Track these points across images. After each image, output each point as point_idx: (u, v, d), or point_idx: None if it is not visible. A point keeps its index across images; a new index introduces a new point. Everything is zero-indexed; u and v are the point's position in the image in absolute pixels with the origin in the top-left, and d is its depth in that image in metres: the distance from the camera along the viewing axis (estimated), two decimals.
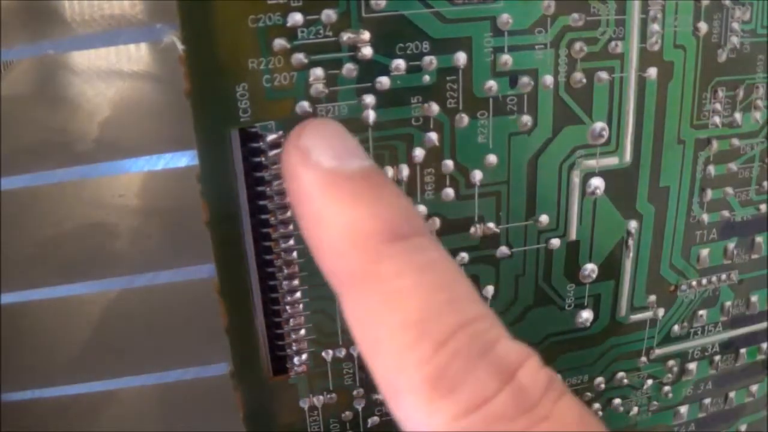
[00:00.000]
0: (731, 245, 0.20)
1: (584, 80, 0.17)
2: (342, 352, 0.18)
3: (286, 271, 0.17)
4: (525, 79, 0.17)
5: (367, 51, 0.15)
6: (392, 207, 0.13)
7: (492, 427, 0.12)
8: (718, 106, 0.18)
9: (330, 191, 0.13)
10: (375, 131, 0.16)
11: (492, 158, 0.17)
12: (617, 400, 0.21)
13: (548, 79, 0.17)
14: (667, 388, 0.22)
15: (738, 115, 0.19)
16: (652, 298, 0.20)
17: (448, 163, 0.17)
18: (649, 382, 0.21)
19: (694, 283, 0.20)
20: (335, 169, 0.13)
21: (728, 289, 0.21)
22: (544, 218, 0.18)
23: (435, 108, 0.16)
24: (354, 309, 0.13)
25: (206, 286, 0.17)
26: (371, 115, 0.16)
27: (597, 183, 0.18)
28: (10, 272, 0.18)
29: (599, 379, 0.21)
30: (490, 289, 0.18)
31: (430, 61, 0.16)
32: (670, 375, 0.21)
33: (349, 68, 0.15)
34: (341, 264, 0.13)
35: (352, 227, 0.13)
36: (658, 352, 0.21)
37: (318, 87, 0.15)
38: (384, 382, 0.13)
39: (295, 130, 0.14)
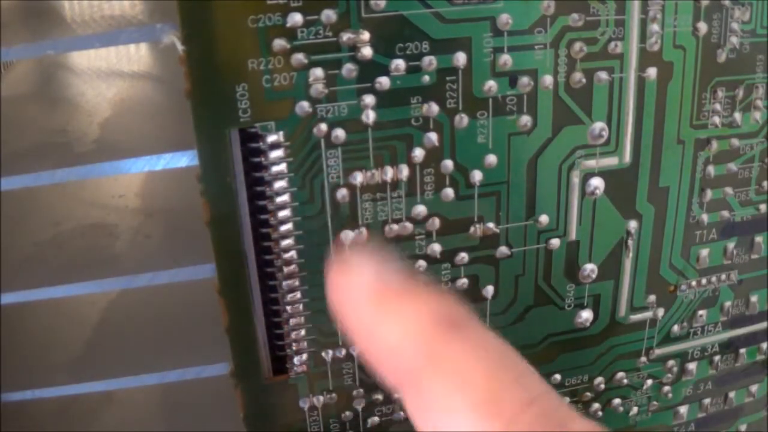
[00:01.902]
0: (731, 245, 0.20)
1: (584, 80, 0.17)
2: (342, 352, 0.18)
3: (286, 271, 0.17)
4: (525, 80, 0.17)
5: (366, 51, 0.15)
6: (441, 300, 0.14)
7: None
8: (717, 106, 0.18)
9: (378, 297, 0.13)
10: (375, 131, 0.16)
11: (492, 158, 0.17)
12: (617, 400, 0.21)
13: (548, 79, 0.17)
14: (666, 388, 0.22)
15: (738, 115, 0.19)
16: (652, 298, 0.20)
17: (448, 163, 0.17)
18: (649, 382, 0.21)
19: (693, 283, 0.20)
20: (379, 275, 0.14)
21: (728, 289, 0.21)
22: (543, 218, 0.18)
23: (435, 108, 0.16)
24: (419, 401, 0.13)
25: (206, 286, 0.17)
26: (371, 115, 0.16)
27: (597, 183, 0.18)
28: (10, 272, 0.18)
29: (599, 379, 0.21)
30: (490, 289, 0.18)
31: (430, 61, 0.16)
32: (669, 375, 0.21)
33: (348, 68, 0.15)
34: (401, 362, 0.13)
35: (407, 325, 0.13)
36: (657, 352, 0.21)
37: (318, 87, 0.15)
38: None
39: (334, 264, 0.14)
